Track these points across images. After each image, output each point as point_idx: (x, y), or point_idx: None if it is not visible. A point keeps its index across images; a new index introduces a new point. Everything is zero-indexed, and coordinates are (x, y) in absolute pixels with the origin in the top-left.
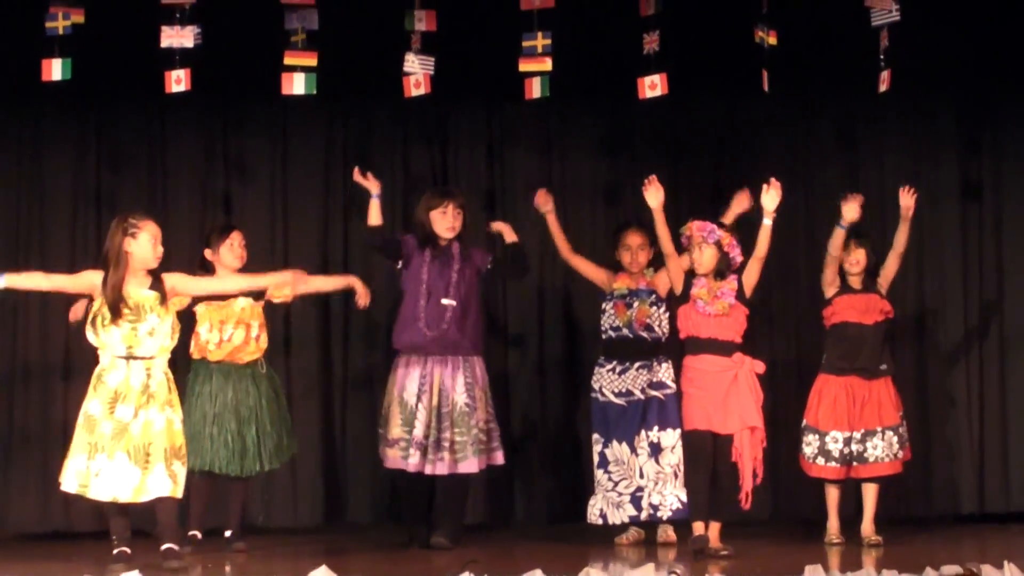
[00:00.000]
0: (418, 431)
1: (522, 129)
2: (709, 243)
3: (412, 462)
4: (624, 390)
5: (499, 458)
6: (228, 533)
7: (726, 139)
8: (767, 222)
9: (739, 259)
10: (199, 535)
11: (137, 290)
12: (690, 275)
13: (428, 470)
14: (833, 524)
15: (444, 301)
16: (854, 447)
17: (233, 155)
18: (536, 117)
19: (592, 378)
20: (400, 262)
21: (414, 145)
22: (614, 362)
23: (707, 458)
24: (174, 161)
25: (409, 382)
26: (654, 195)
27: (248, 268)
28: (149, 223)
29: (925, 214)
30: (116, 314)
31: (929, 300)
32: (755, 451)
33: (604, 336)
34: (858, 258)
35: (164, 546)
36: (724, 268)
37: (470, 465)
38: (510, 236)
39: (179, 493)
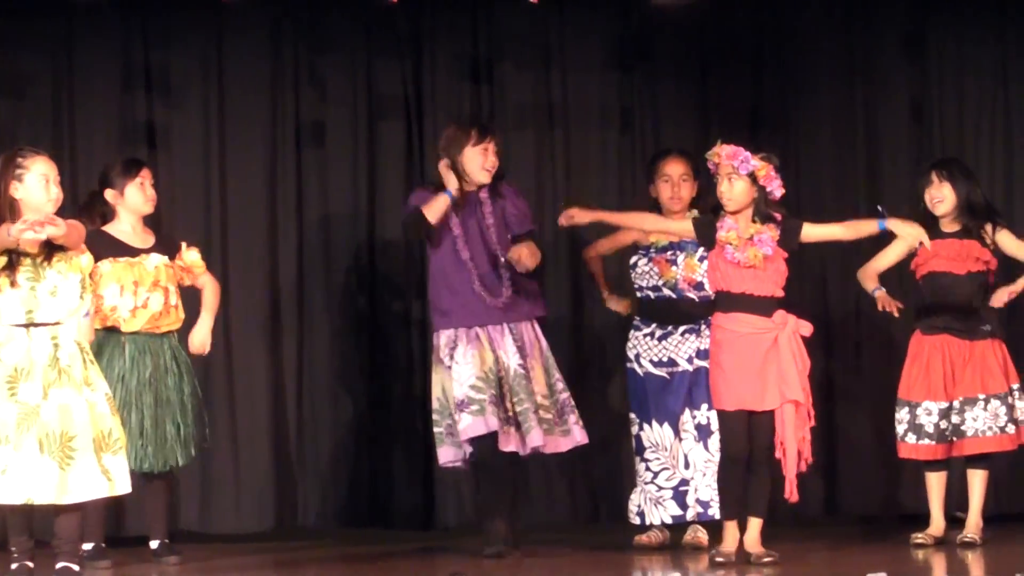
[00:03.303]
0: (460, 391)
1: (515, 39)
2: (740, 174)
3: (463, 427)
4: (666, 359)
5: (577, 438)
6: (155, 544)
7: (766, 48)
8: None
9: (779, 193)
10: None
11: (28, 243)
12: (717, 212)
13: (495, 425)
14: (937, 519)
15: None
16: (953, 419)
17: (157, 75)
18: (532, 23)
19: (627, 344)
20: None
21: (381, 60)
22: (653, 325)
23: (741, 445)
24: (84, 84)
25: (442, 348)
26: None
27: (179, 213)
28: (38, 160)
29: (1016, 138)
30: (12, 271)
31: None
32: (801, 430)
33: (641, 295)
34: (943, 195)
35: (59, 564)
36: (762, 207)
37: (534, 439)
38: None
39: (119, 490)
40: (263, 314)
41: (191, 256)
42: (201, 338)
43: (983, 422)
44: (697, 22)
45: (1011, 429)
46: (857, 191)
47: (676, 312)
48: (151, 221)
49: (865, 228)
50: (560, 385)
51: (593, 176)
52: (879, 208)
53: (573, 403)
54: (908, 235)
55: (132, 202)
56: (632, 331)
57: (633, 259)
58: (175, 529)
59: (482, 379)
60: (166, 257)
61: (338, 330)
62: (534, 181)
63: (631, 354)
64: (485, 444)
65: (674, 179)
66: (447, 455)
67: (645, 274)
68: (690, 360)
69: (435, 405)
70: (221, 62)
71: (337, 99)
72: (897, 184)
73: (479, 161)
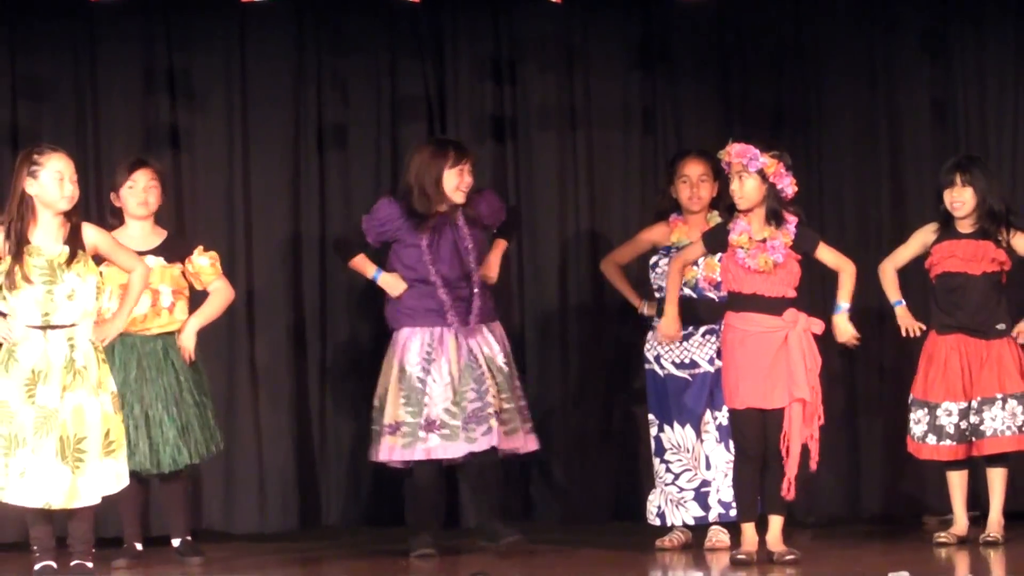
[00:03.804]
0: (433, 410)
1: (537, 40)
2: (750, 172)
3: (429, 447)
4: (688, 361)
5: (533, 443)
6: (176, 542)
7: (787, 47)
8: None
9: (791, 191)
10: (138, 546)
11: (48, 243)
12: (732, 211)
13: (462, 451)
14: (960, 518)
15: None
16: (971, 419)
17: (180, 77)
18: (554, 24)
19: (645, 346)
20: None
21: (403, 62)
22: None
23: (752, 444)
24: (107, 87)
25: (410, 354)
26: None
27: (201, 215)
28: (54, 157)
29: None
30: (21, 267)
31: None
32: (808, 429)
33: (660, 295)
34: (963, 199)
35: (74, 562)
36: (776, 208)
37: (517, 440)
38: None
39: (120, 486)
40: (286, 315)
41: (200, 262)
42: (182, 341)
43: (1001, 421)
44: (718, 22)
45: None
46: (879, 189)
47: (696, 312)
48: (168, 222)
49: (846, 288)
50: (521, 389)
51: (615, 177)
52: (845, 303)
53: (528, 410)
54: (840, 334)
55: (127, 205)
56: (651, 332)
57: (653, 259)
58: (199, 528)
59: (456, 404)
60: (162, 259)
61: (360, 331)
62: (556, 182)
63: (650, 355)
64: (421, 462)
65: (693, 180)
66: (386, 453)
67: (666, 274)
68: (711, 361)
69: (376, 403)
70: (244, 65)
71: (359, 101)
72: (919, 182)
73: (455, 182)
